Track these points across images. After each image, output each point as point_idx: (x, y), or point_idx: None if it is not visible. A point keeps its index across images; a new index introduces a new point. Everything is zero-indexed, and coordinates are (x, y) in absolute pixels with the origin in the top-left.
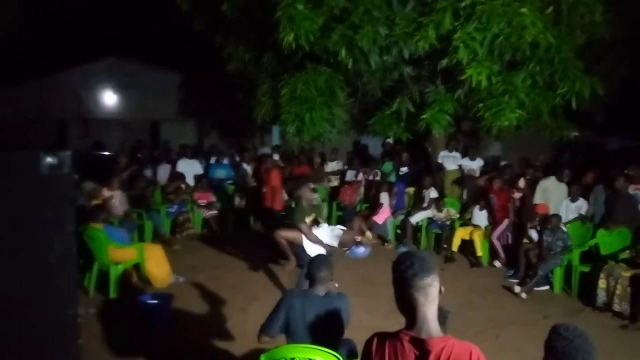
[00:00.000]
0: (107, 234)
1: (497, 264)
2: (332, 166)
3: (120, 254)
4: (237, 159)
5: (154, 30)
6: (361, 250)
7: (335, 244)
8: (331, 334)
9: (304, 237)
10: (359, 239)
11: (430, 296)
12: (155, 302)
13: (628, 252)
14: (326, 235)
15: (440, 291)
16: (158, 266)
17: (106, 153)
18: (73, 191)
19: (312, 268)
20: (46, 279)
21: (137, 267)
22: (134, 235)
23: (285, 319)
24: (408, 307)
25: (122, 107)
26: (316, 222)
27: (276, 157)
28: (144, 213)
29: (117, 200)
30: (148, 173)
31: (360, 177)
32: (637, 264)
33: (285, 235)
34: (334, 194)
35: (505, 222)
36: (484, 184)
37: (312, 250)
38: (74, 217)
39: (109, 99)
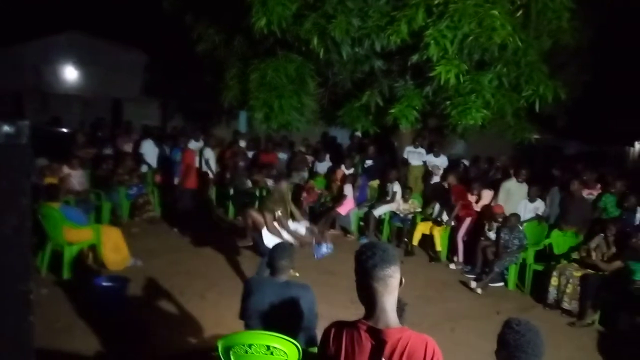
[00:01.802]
0: (62, 213)
1: (452, 266)
2: None
3: (75, 234)
4: (201, 142)
5: (120, 6)
6: (324, 249)
7: (295, 240)
8: (288, 321)
9: (264, 226)
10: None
11: (390, 287)
12: (110, 284)
13: (579, 252)
14: (290, 230)
15: (401, 282)
16: (115, 249)
17: (63, 129)
18: (30, 162)
19: (273, 256)
20: None
21: (93, 249)
22: (90, 216)
23: (247, 304)
24: (367, 296)
25: (83, 83)
26: (278, 216)
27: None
28: (102, 193)
29: (76, 179)
30: (108, 151)
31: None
32: (588, 264)
33: (254, 216)
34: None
35: (467, 220)
36: (452, 185)
37: (269, 240)
38: (29, 190)
39: (70, 73)
